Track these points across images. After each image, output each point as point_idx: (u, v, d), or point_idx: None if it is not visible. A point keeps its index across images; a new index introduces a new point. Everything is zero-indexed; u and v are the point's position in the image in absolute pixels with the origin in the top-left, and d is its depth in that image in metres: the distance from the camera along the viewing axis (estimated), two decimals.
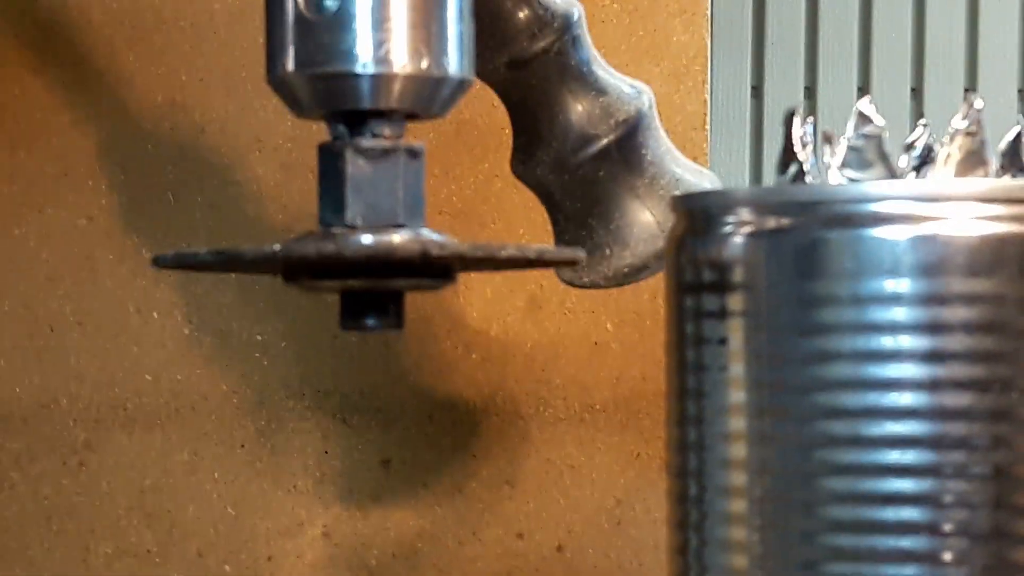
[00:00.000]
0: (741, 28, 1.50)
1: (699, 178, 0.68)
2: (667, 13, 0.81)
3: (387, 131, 0.55)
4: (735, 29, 1.48)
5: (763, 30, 1.50)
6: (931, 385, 0.44)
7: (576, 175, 0.65)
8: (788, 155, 0.48)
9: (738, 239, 0.46)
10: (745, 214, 0.46)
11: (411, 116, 0.56)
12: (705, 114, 0.82)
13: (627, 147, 0.65)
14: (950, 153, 0.47)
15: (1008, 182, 0.46)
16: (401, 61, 0.54)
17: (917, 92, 1.50)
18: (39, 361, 0.80)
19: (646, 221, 0.65)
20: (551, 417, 0.80)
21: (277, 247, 0.55)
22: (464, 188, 0.78)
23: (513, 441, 0.81)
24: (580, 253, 0.63)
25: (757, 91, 1.48)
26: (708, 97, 0.82)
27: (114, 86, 0.81)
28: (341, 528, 0.80)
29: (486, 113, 0.74)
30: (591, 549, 0.80)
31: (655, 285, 0.71)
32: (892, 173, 0.47)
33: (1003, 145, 0.47)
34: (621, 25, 0.80)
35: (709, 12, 0.82)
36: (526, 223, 0.77)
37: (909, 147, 0.48)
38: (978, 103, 0.48)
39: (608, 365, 0.81)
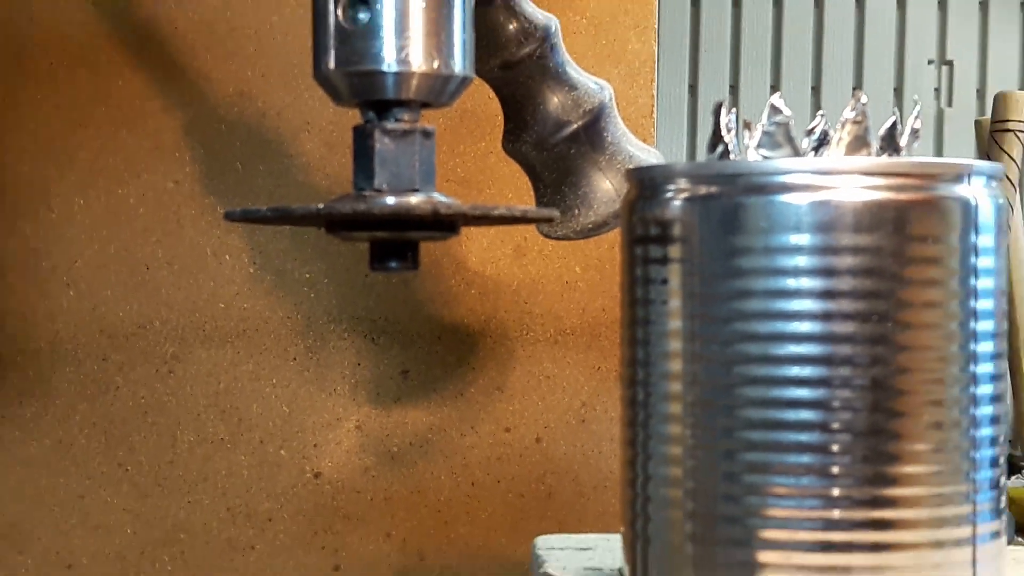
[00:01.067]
0: (681, 39, 1.50)
1: (648, 155, 0.67)
2: (623, 27, 0.80)
3: (406, 116, 0.54)
4: (676, 40, 1.48)
5: (698, 41, 1.49)
6: (824, 316, 0.44)
7: (552, 152, 0.65)
8: (716, 138, 0.48)
9: (677, 202, 0.46)
10: (683, 183, 0.46)
11: (425, 105, 0.55)
12: (652, 106, 0.81)
13: (592, 131, 0.65)
14: (841, 137, 0.47)
15: (885, 160, 0.46)
16: (418, 62, 0.53)
17: (816, 90, 1.50)
18: (137, 293, 0.80)
19: (606, 188, 0.65)
20: (532, 339, 0.80)
21: (321, 206, 0.54)
22: (466, 162, 0.78)
23: (503, 357, 0.81)
24: (555, 212, 0.62)
25: (693, 89, 1.48)
26: (655, 93, 0.82)
27: (195, 80, 0.80)
28: (370, 423, 0.80)
29: (483, 103, 0.73)
30: (562, 440, 0.80)
31: (613, 238, 0.70)
32: (796, 152, 0.47)
33: (882, 131, 0.47)
34: (588, 36, 0.80)
35: (656, 26, 0.81)
36: (513, 189, 0.77)
37: (809, 132, 0.48)
38: (863, 99, 0.47)
39: (576, 299, 0.81)
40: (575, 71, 0.66)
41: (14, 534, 0.80)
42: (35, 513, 0.80)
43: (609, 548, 0.54)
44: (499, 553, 0.80)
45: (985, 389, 0.46)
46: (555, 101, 0.64)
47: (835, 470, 0.44)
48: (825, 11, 1.47)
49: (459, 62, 0.54)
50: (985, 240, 0.46)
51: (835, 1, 1.48)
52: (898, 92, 1.48)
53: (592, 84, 0.65)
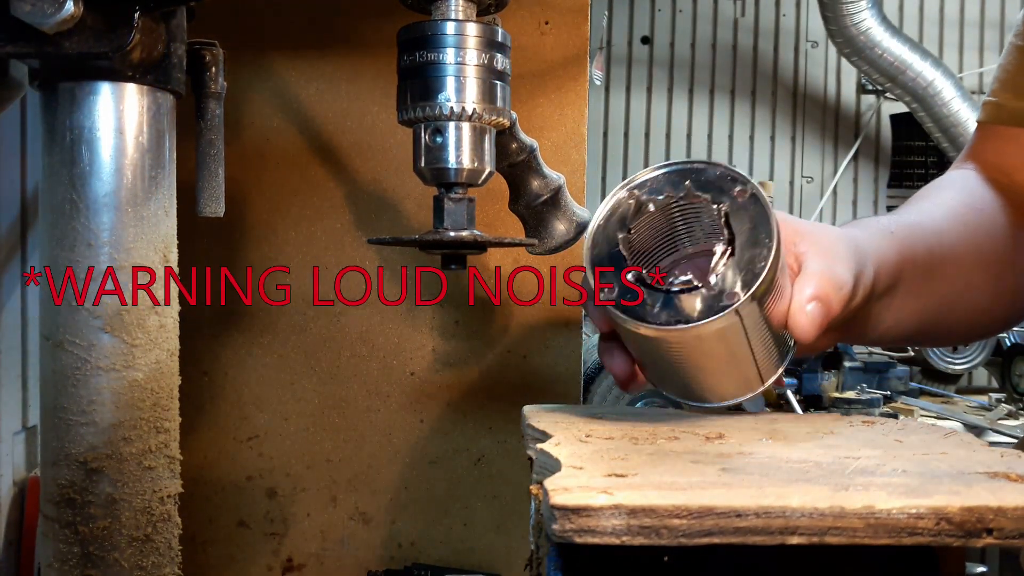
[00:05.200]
0: (597, 152, 1.49)
1: (582, 211, 0.67)
2: (568, 146, 0.79)
3: (460, 191, 0.55)
4: (595, 152, 1.48)
5: (606, 155, 1.49)
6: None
7: (533, 210, 0.65)
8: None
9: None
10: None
11: (471, 185, 0.55)
12: (583, 186, 0.80)
13: (555, 200, 0.64)
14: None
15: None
16: (466, 163, 0.54)
17: None
18: (320, 279, 0.79)
19: (562, 229, 0.65)
20: (525, 301, 0.80)
21: (418, 236, 0.55)
22: (490, 214, 0.78)
23: (506, 314, 0.80)
24: (535, 241, 0.63)
25: (603, 177, 1.48)
26: (585, 180, 0.81)
27: (350, 169, 0.80)
28: (438, 348, 0.80)
29: (500, 184, 0.72)
30: (537, 356, 0.80)
31: (564, 254, 0.70)
32: None
33: None
34: (551, 150, 0.78)
35: (585, 146, 0.81)
36: (514, 229, 0.76)
37: None
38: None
39: (542, 284, 0.80)
40: (545, 168, 0.66)
41: (257, 403, 0.81)
42: (268, 392, 0.80)
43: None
44: (505, 412, 0.81)
45: None
46: (535, 184, 0.64)
47: None
48: (671, 139, 1.49)
49: (488, 163, 0.55)
50: None
51: (677, 129, 1.50)
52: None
53: (554, 175, 0.65)
